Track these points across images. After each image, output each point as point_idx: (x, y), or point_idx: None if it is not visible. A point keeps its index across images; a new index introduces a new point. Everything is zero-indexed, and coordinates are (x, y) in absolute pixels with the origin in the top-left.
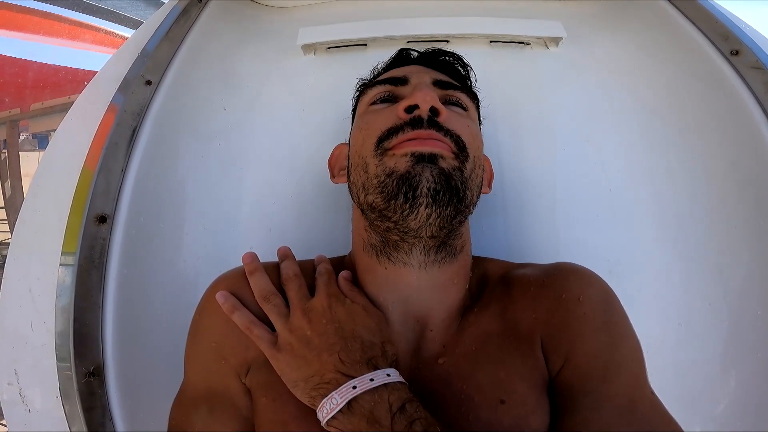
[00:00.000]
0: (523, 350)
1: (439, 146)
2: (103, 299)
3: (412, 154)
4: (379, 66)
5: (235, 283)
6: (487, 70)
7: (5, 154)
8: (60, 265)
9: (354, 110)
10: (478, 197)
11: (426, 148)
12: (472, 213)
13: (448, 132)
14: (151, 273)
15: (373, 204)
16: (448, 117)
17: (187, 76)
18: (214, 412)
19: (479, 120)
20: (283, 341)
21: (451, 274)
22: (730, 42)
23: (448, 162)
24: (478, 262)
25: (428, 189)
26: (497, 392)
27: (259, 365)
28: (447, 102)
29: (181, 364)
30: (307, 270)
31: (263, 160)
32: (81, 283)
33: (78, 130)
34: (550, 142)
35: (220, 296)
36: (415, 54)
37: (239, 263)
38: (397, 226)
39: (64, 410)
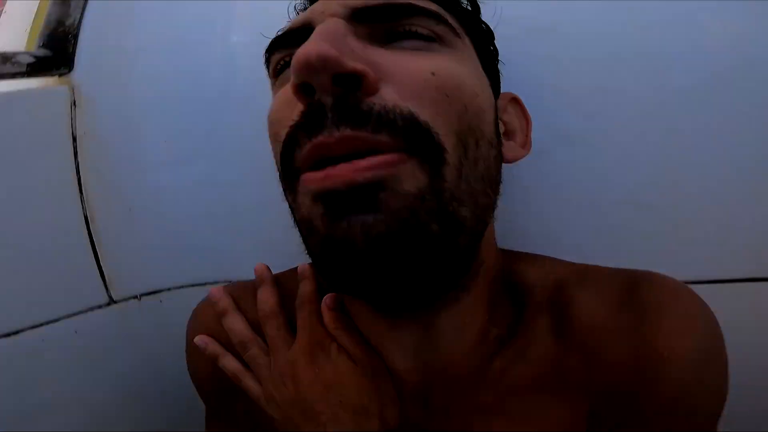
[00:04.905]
0: (561, 411)
1: (374, 166)
2: None
3: (320, 197)
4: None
5: (214, 322)
6: None
7: None
8: None
9: None
10: (488, 198)
11: (339, 183)
12: (488, 224)
13: (380, 117)
14: None
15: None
16: (378, 74)
17: None
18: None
19: (487, 56)
20: (269, 396)
21: (463, 313)
22: None
23: (403, 186)
24: (511, 263)
25: (375, 261)
26: None
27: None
28: (387, 39)
29: None
30: (290, 284)
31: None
32: None
33: None
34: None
35: (199, 341)
36: None
37: None
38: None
39: None
